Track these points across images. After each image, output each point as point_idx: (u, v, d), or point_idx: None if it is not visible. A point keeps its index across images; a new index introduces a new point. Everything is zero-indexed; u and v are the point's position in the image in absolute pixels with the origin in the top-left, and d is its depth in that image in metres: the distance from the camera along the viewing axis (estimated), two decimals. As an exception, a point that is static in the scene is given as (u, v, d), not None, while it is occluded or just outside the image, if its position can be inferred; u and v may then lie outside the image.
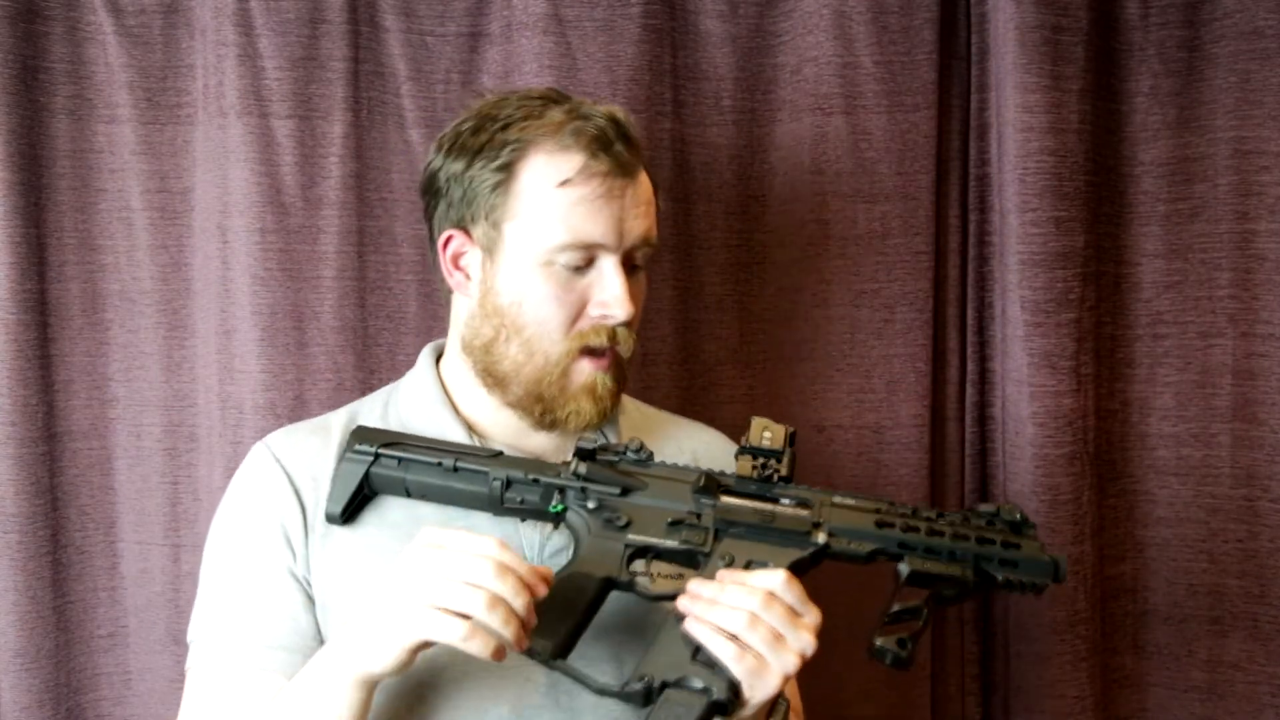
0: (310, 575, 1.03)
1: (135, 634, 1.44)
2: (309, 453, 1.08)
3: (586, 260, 1.02)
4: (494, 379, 1.06)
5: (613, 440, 1.10)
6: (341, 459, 1.03)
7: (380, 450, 1.02)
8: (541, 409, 1.05)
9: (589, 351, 1.04)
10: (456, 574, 0.86)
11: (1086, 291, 1.46)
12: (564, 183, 1.01)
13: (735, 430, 1.25)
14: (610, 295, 1.02)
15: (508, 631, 0.85)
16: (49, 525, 1.39)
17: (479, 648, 0.85)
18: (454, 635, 0.85)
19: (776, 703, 0.95)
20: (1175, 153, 1.49)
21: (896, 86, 1.45)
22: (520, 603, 0.86)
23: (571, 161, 1.01)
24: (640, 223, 1.04)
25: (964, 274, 1.53)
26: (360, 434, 1.04)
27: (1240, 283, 1.48)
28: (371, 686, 0.91)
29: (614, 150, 1.01)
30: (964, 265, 1.53)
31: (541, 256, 1.02)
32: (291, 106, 1.38)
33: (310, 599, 1.03)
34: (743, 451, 1.01)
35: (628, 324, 1.04)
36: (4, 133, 1.34)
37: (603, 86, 1.42)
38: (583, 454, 1.02)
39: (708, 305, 1.49)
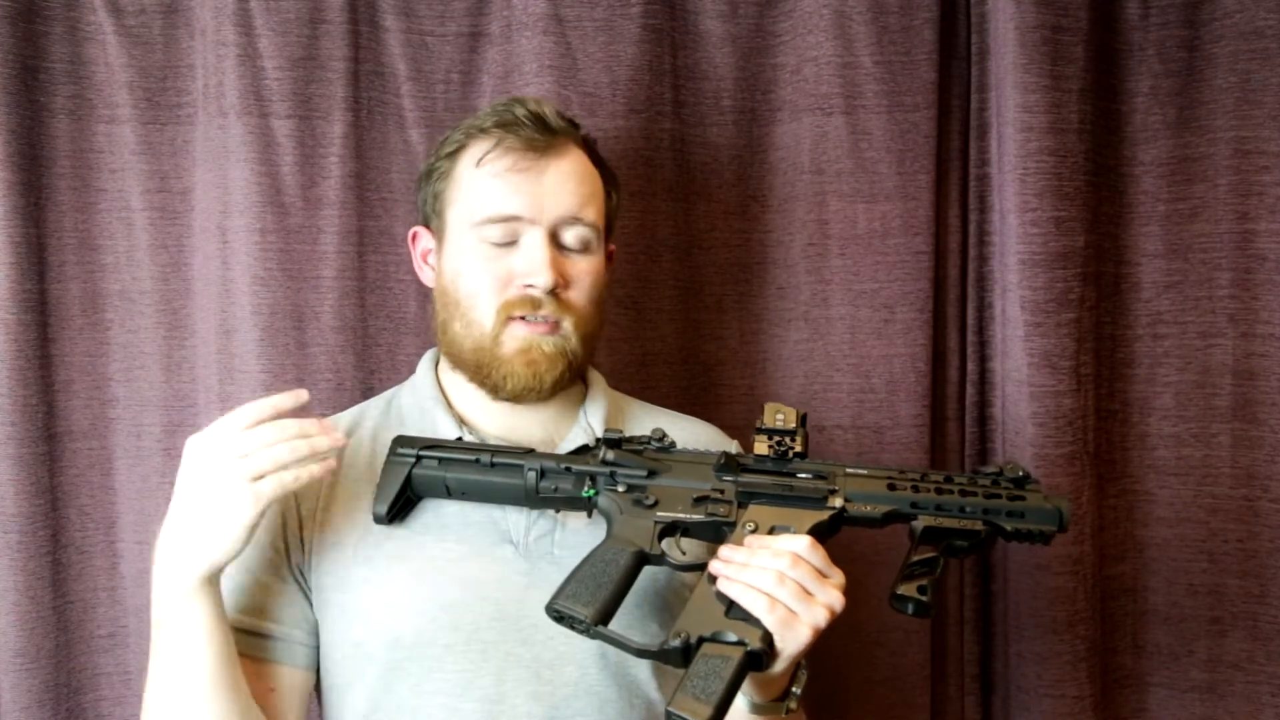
0: (306, 565, 1.10)
1: (135, 634, 1.44)
2: None
3: (511, 236, 1.09)
4: (454, 359, 1.13)
5: (595, 426, 1.15)
6: (386, 462, 1.09)
7: (421, 452, 1.08)
8: (481, 376, 1.11)
9: (520, 319, 1.09)
10: (245, 448, 0.96)
11: (1086, 291, 1.46)
12: (481, 160, 1.10)
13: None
14: (531, 263, 1.08)
15: (315, 454, 0.98)
16: (49, 525, 1.39)
17: (305, 477, 0.98)
18: (283, 488, 0.97)
19: (797, 672, 1.00)
20: (1175, 153, 1.49)
21: (896, 86, 1.45)
22: (302, 436, 0.98)
23: (489, 141, 1.11)
24: (563, 200, 1.10)
25: (964, 274, 1.53)
26: (402, 440, 1.10)
27: (1240, 283, 1.48)
28: (216, 581, 1.00)
29: (523, 130, 1.10)
30: (964, 265, 1.53)
31: (471, 232, 1.10)
32: (291, 106, 1.38)
33: (305, 589, 1.10)
34: (759, 432, 1.05)
35: (553, 294, 1.09)
36: (4, 133, 1.34)
37: (603, 86, 1.42)
38: (610, 442, 1.07)
39: (708, 305, 1.49)
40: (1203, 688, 1.52)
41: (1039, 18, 1.40)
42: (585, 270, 1.12)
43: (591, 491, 1.05)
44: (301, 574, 1.09)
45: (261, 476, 0.96)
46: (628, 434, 1.11)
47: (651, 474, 1.05)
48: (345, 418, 1.19)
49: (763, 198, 1.49)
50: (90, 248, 1.41)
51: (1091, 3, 1.44)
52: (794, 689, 1.00)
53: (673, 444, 1.08)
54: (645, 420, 1.22)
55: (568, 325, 1.10)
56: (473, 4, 1.44)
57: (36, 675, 1.38)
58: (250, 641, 1.06)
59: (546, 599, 0.99)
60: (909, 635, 1.49)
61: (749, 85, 1.48)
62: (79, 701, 1.42)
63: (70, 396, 1.41)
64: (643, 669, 1.07)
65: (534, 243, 1.08)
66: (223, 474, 0.96)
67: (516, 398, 1.11)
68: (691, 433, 1.21)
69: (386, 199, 1.42)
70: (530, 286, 1.08)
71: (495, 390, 1.11)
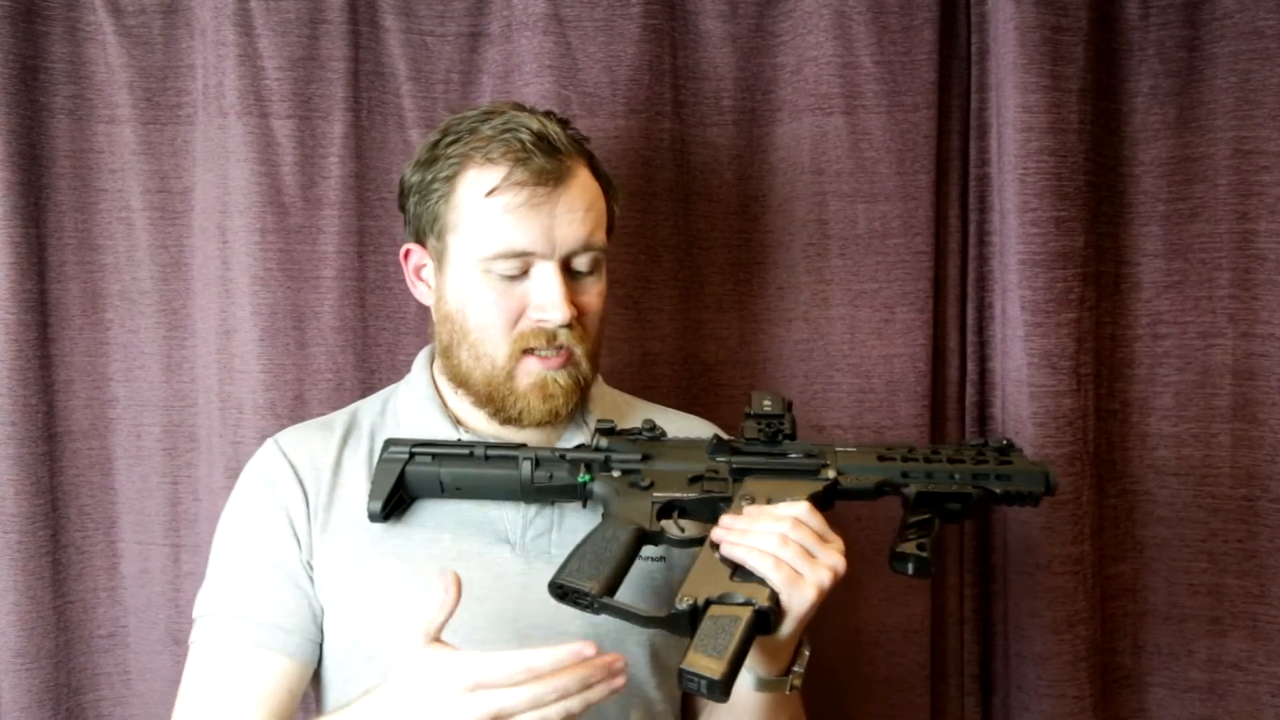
0: (313, 559, 1.09)
1: (135, 634, 1.44)
2: (312, 446, 1.14)
3: (523, 268, 1.07)
4: (457, 380, 1.12)
5: (592, 424, 1.15)
6: (379, 461, 1.09)
7: (414, 449, 1.08)
8: (494, 407, 1.10)
9: (533, 352, 1.08)
10: (508, 704, 0.85)
11: (1086, 291, 1.46)
12: (490, 193, 1.05)
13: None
14: (545, 299, 1.06)
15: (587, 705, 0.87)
16: (49, 525, 1.40)
17: None
18: None
19: (800, 649, 1.01)
20: (1175, 153, 1.49)
21: (896, 86, 1.45)
22: (583, 688, 0.86)
23: (496, 172, 1.06)
24: (574, 229, 1.07)
25: (964, 274, 1.53)
26: (394, 440, 1.10)
27: (1240, 283, 1.48)
28: None
29: (534, 162, 1.05)
30: (964, 265, 1.53)
31: (479, 265, 1.07)
32: (291, 106, 1.38)
33: (312, 582, 1.09)
34: (748, 418, 1.08)
35: (568, 326, 1.07)
36: (4, 133, 1.34)
37: (603, 86, 1.42)
38: (604, 430, 1.08)
39: (708, 305, 1.49)
40: (1203, 688, 1.52)
41: (1039, 18, 1.40)
42: (595, 293, 1.11)
43: (587, 477, 1.05)
44: (309, 568, 1.09)
45: None
46: (621, 428, 1.11)
47: (646, 458, 1.07)
48: (340, 417, 1.18)
49: (763, 198, 1.49)
50: (90, 248, 1.42)
51: (1091, 3, 1.44)
52: (796, 666, 1.01)
53: (663, 433, 1.10)
54: (641, 416, 1.22)
55: (579, 351, 1.09)
56: (473, 4, 1.44)
57: (36, 675, 1.38)
58: (260, 633, 1.06)
59: (543, 599, 0.99)
60: (909, 635, 1.49)
61: (749, 85, 1.48)
62: (79, 701, 1.43)
63: (70, 396, 1.41)
64: (641, 668, 1.07)
65: (548, 277, 1.06)
66: None
67: (523, 425, 1.10)
68: (685, 428, 1.21)
69: (386, 199, 1.42)
70: (544, 321, 1.07)
71: (509, 420, 1.10)
